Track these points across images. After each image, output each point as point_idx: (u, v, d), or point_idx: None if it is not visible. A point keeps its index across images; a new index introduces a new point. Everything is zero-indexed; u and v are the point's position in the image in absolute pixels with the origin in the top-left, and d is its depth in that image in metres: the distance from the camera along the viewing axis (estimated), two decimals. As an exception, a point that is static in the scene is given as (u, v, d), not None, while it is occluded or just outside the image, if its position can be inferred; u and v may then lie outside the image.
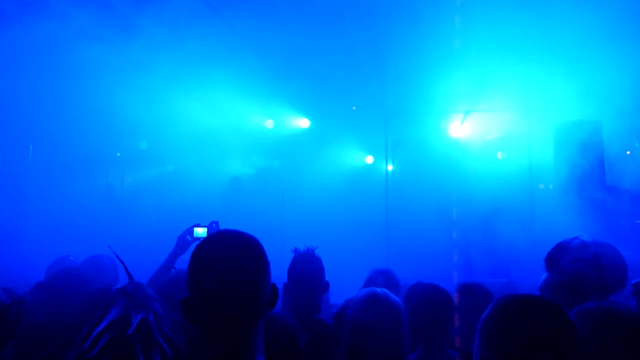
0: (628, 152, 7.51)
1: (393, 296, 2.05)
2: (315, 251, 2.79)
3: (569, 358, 1.25)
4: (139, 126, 9.75)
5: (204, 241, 1.39)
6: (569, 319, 1.31)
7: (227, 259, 1.33)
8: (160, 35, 7.10)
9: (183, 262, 3.27)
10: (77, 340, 1.17)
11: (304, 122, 9.96)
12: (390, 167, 8.54)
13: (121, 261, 1.43)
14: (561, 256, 2.40)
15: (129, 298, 1.27)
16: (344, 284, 4.77)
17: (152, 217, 8.76)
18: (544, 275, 2.48)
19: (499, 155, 8.79)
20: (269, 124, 9.89)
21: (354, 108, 9.55)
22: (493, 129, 8.65)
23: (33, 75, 7.94)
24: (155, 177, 9.28)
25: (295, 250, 2.80)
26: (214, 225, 3.33)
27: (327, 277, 3.17)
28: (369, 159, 9.81)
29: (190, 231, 3.28)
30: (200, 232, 3.28)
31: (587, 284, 2.27)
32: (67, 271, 2.73)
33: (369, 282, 3.61)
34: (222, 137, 9.26)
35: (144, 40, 7.16)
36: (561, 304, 1.32)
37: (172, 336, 1.27)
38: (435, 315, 2.20)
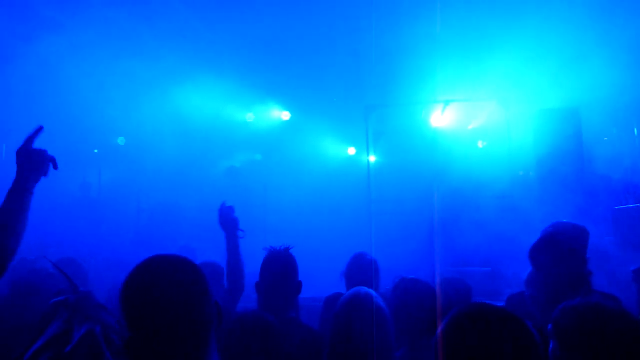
0: (605, 139, 7.62)
1: (377, 298, 2.01)
2: (290, 250, 2.71)
3: None
4: (117, 122, 9.57)
5: (132, 274, 1.30)
6: (528, 334, 1.25)
7: (161, 287, 1.24)
8: (138, 30, 6.96)
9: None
10: None
11: (284, 115, 9.88)
12: (372, 158, 8.52)
13: (62, 272, 1.34)
14: (544, 251, 2.40)
15: (72, 310, 1.18)
16: (327, 276, 4.74)
17: (131, 215, 8.62)
18: (529, 270, 2.47)
19: (480, 144, 8.85)
20: (250, 117, 9.79)
21: (334, 100, 9.50)
22: (473, 118, 8.69)
23: (4, 72, 7.71)
24: (134, 174, 9.11)
25: (269, 249, 2.73)
26: (231, 209, 3.15)
27: (311, 270, 3.08)
28: (351, 151, 9.78)
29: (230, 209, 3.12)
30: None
31: (571, 279, 2.27)
32: (29, 281, 2.65)
33: (350, 268, 3.55)
34: (203, 131, 9.14)
35: (122, 35, 7.01)
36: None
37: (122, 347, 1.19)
38: (420, 312, 2.16)
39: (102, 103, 9.04)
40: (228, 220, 3.08)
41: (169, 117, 8.95)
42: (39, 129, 1.84)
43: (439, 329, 1.33)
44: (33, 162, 1.80)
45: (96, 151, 9.83)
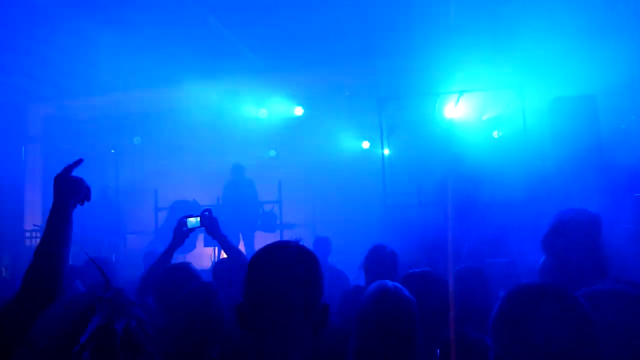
0: (623, 126, 7.48)
1: (405, 292, 1.98)
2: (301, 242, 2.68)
3: (586, 348, 1.22)
4: (133, 122, 9.69)
5: (262, 250, 1.46)
6: (582, 308, 1.27)
7: (282, 268, 1.37)
8: (151, 29, 7.02)
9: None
10: (56, 355, 1.14)
11: (298, 110, 9.88)
12: (386, 151, 8.50)
13: (99, 267, 1.39)
14: (557, 237, 2.37)
15: (110, 305, 1.23)
16: (342, 269, 4.77)
17: (149, 212, 8.73)
18: (542, 258, 2.44)
19: (495, 134, 8.76)
20: (263, 113, 9.81)
21: (347, 94, 9.48)
22: (488, 108, 8.60)
23: (24, 75, 7.85)
24: (150, 173, 9.23)
25: None
26: (206, 213, 3.27)
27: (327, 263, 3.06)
28: (365, 144, 9.76)
29: (183, 222, 3.24)
30: (194, 221, 3.25)
31: (585, 265, 2.23)
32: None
33: (369, 260, 3.53)
34: (216, 128, 9.20)
35: (136, 35, 7.08)
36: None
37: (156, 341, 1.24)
38: (432, 304, 2.14)
39: (118, 103, 9.15)
40: (212, 226, 3.21)
41: (184, 114, 9.03)
42: (79, 161, 1.88)
43: (493, 316, 1.34)
44: (71, 188, 1.81)
45: (113, 151, 9.99)
